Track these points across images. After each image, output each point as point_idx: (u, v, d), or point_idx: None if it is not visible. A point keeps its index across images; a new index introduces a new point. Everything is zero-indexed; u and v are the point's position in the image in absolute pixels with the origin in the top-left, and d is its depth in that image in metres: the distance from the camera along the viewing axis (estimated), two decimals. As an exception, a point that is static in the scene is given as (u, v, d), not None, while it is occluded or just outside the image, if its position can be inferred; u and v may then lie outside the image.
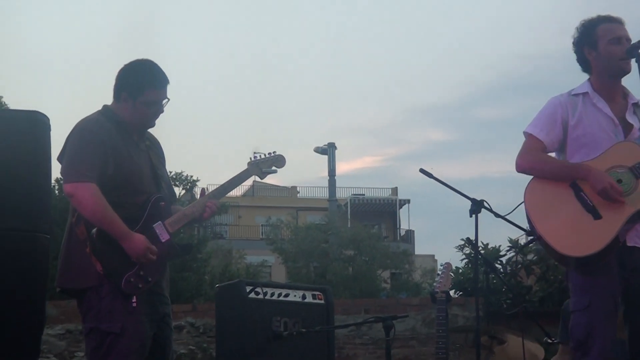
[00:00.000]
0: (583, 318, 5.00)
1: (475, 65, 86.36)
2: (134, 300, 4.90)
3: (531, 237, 5.26)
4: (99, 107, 5.20)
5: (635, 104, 5.22)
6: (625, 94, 5.27)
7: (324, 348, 7.16)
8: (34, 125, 5.63)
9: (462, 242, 13.70)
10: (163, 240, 5.05)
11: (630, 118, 5.19)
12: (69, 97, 76.69)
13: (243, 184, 5.50)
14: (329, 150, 38.00)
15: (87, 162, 4.93)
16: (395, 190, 55.08)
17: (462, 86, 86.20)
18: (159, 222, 5.07)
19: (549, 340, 6.95)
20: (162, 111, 5.18)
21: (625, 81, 5.23)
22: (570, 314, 5.13)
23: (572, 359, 5.18)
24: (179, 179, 30.10)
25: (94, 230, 4.89)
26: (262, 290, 6.98)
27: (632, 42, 5.06)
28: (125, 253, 4.92)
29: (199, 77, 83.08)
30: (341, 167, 75.31)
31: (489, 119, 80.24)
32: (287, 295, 7.12)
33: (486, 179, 76.84)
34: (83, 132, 5.03)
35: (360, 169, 74.84)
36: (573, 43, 5.29)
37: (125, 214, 4.96)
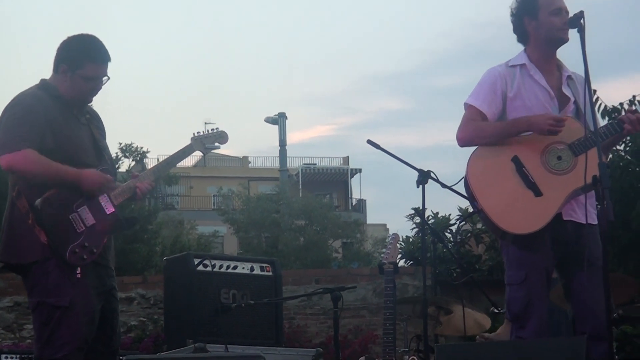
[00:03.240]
0: (519, 292, 5.06)
1: (430, 33, 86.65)
2: (78, 271, 4.88)
3: (473, 211, 5.29)
4: (37, 81, 5.16)
5: (569, 77, 5.26)
6: (559, 66, 5.30)
7: (273, 320, 7.18)
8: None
9: (412, 212, 13.72)
10: (108, 213, 5.04)
11: (566, 90, 5.22)
12: (8, 71, 75.90)
13: (194, 154, 5.51)
14: (279, 120, 37.97)
15: (22, 134, 4.89)
16: (346, 160, 55.13)
17: (417, 54, 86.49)
18: (104, 194, 5.04)
19: (495, 310, 7.01)
20: (100, 88, 5.14)
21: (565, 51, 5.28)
22: (506, 287, 5.18)
23: (509, 331, 5.24)
24: (129, 150, 29.88)
25: (38, 200, 4.86)
26: (211, 263, 6.97)
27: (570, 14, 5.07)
28: (69, 224, 4.90)
29: (148, 47, 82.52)
30: (294, 137, 75.45)
31: (444, 87, 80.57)
32: (235, 268, 7.12)
33: (441, 148, 77.28)
34: (19, 106, 5.00)
35: (313, 138, 74.92)
36: (512, 13, 5.30)
37: (69, 186, 4.92)
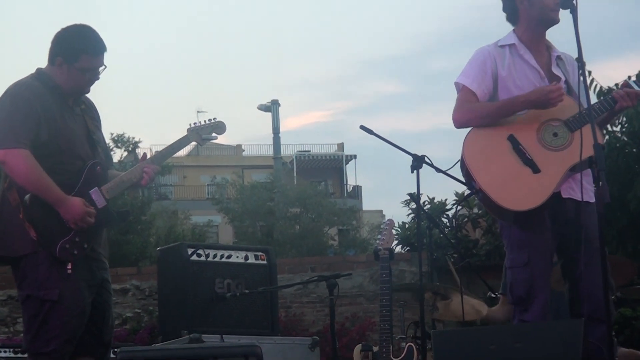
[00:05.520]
0: (523, 274, 5.06)
1: (425, 16, 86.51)
2: (69, 267, 4.88)
3: (470, 192, 5.29)
4: (32, 71, 5.14)
5: (558, 57, 5.27)
6: (548, 47, 5.31)
7: (268, 309, 7.18)
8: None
9: (408, 198, 13.72)
10: (99, 207, 5.02)
11: (556, 70, 5.24)
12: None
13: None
14: (272, 107, 37.90)
15: (19, 128, 4.87)
16: (341, 146, 55.10)
17: (412, 37, 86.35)
18: (95, 188, 5.04)
19: (492, 295, 7.02)
20: (98, 78, 5.13)
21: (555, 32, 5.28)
22: (508, 270, 5.18)
23: (512, 314, 5.24)
24: (121, 140, 29.87)
25: (27, 196, 4.86)
26: (204, 252, 6.97)
27: None
28: (60, 219, 4.89)
29: (139, 35, 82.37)
30: (288, 123, 75.14)
31: (440, 69, 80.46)
32: (229, 257, 7.12)
33: (439, 131, 77.34)
34: (15, 97, 4.97)
35: (308, 125, 74.89)
36: None
37: (60, 180, 4.92)
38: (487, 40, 5.37)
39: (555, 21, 5.18)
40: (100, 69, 5.11)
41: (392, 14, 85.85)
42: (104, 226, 5.13)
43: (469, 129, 5.18)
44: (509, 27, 5.36)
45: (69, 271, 4.88)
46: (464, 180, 5.24)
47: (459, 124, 5.20)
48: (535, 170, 4.99)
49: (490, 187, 5.00)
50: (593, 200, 4.91)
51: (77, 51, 5.03)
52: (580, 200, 4.96)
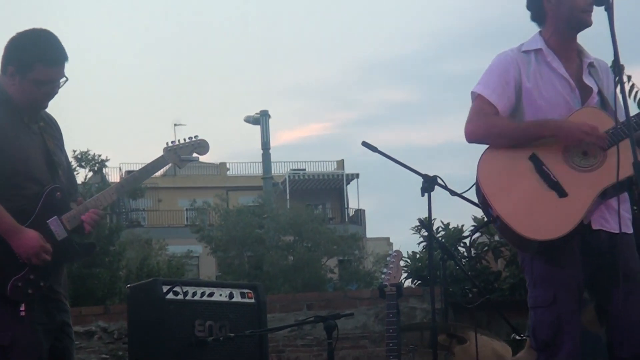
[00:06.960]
0: (548, 315, 5.03)
1: (439, 10, 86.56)
2: (22, 308, 4.88)
3: (486, 220, 5.28)
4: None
5: (590, 64, 5.25)
6: (580, 52, 5.29)
7: (257, 354, 7.18)
8: None
9: (419, 224, 13.70)
10: (59, 239, 5.02)
11: (588, 80, 5.20)
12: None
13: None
14: (261, 119, 38.05)
15: None
16: (341, 164, 55.20)
17: (424, 35, 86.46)
18: (55, 217, 5.04)
19: (517, 337, 7.00)
20: (56, 92, 5.12)
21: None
22: (530, 311, 5.16)
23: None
24: (85, 159, 29.93)
25: (-28, 227, 4.85)
26: (182, 290, 6.97)
27: None
28: (11, 252, 4.90)
29: (107, 36, 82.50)
30: (280, 138, 75.40)
31: (456, 73, 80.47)
32: (211, 295, 7.12)
33: (454, 145, 77.31)
34: None
35: (302, 139, 75.02)
36: None
37: (13, 207, 4.93)
38: (511, 40, 5.35)
39: (587, 24, 5.16)
40: (61, 81, 5.10)
41: (401, 9, 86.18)
42: (64, 261, 5.13)
43: (484, 146, 5.18)
44: (536, 26, 5.35)
45: (23, 313, 4.88)
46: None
47: (471, 137, 5.18)
48: (562, 194, 4.97)
49: (509, 214, 4.99)
50: (631, 231, 4.90)
51: (31, 60, 5.03)
52: (616, 232, 4.92)
